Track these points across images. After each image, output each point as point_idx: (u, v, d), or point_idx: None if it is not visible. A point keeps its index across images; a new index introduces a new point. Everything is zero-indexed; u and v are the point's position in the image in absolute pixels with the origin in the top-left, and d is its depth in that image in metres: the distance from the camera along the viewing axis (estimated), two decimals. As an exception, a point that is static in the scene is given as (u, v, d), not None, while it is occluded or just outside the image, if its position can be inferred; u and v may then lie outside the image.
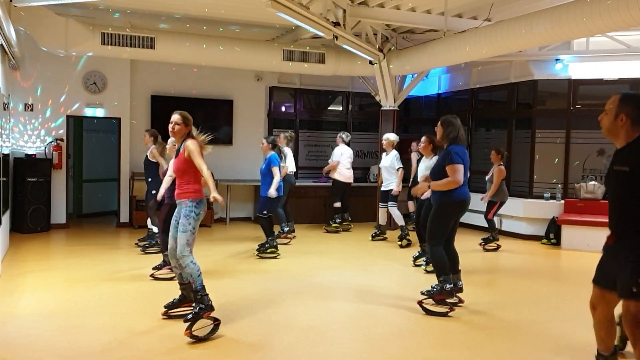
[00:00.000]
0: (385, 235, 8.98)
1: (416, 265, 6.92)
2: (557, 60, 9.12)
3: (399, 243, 8.40)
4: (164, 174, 6.27)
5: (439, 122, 5.03)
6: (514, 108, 9.92)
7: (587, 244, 8.25)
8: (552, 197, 9.17)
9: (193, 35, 8.85)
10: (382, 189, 8.70)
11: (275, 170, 7.34)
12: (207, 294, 4.35)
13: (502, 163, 8.08)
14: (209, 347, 3.99)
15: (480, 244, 8.24)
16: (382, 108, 10.31)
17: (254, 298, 5.35)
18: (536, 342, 4.25)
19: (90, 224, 10.23)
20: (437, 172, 4.93)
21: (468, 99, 10.83)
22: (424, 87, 11.61)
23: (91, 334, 4.26)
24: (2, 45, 6.64)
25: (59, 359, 3.78)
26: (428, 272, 6.48)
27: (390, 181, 8.49)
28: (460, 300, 5.13)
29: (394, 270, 6.92)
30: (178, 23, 9.01)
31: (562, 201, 9.10)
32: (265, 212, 7.45)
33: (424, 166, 6.70)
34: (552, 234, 8.87)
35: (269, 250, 7.46)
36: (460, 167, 4.78)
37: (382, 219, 8.94)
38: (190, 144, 4.38)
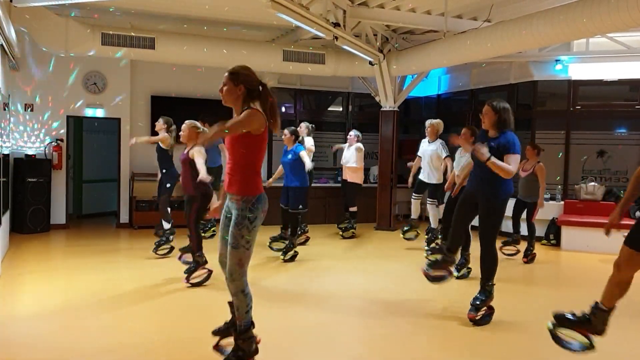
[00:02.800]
0: (418, 231, 8.21)
1: (460, 277, 6.26)
2: (557, 61, 9.12)
3: (426, 248, 7.54)
4: (182, 158, 5.89)
5: (490, 108, 4.56)
6: (513, 109, 9.83)
7: (587, 244, 8.26)
8: (552, 198, 9.18)
9: (193, 36, 8.87)
10: (423, 179, 7.75)
11: (304, 154, 7.12)
12: (255, 336, 3.45)
13: (539, 160, 7.46)
14: (208, 344, 3.99)
15: (524, 260, 7.48)
16: (382, 109, 10.32)
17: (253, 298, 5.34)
18: (536, 344, 4.24)
19: (90, 224, 10.23)
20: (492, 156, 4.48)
21: (468, 100, 10.84)
22: (424, 87, 11.62)
23: (91, 334, 4.26)
24: (2, 45, 6.64)
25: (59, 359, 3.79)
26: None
27: (431, 173, 7.64)
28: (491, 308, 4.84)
29: (394, 271, 6.91)
30: (178, 23, 9.02)
31: (562, 202, 9.10)
32: (301, 206, 7.03)
33: (464, 160, 6.32)
34: (552, 235, 8.87)
35: (293, 250, 7.11)
36: (519, 158, 4.53)
37: (413, 210, 8.13)
38: (248, 112, 3.19)
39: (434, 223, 7.72)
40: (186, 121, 6.00)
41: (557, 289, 6.23)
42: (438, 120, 7.74)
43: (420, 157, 7.87)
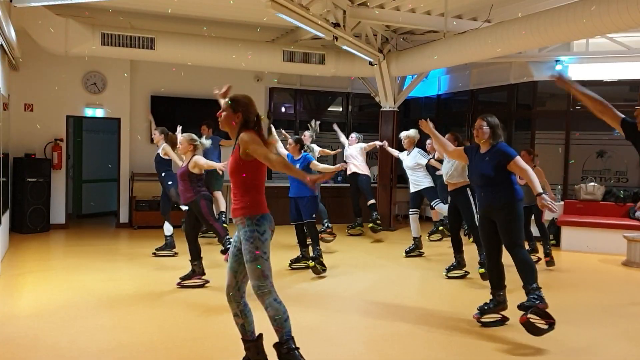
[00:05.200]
0: (421, 250, 7.77)
1: (449, 277, 6.32)
2: (556, 61, 9.13)
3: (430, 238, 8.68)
4: (180, 173, 5.92)
5: (484, 122, 4.58)
6: (513, 109, 9.93)
7: (587, 245, 8.25)
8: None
9: (193, 36, 8.87)
10: (412, 190, 7.72)
11: (316, 163, 6.71)
12: (298, 348, 3.33)
13: (535, 164, 7.32)
14: (207, 344, 3.99)
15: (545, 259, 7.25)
16: (381, 109, 10.32)
17: (253, 297, 5.34)
18: (536, 345, 4.24)
19: (89, 224, 10.22)
20: (492, 171, 4.49)
21: (468, 100, 10.84)
22: (423, 88, 11.62)
23: (90, 334, 4.25)
24: (2, 45, 6.64)
25: (58, 359, 3.78)
26: (482, 275, 6.05)
27: (419, 181, 7.62)
28: (504, 318, 4.68)
29: (394, 272, 6.91)
30: (178, 23, 9.02)
31: (562, 202, 9.10)
32: (314, 215, 6.59)
33: (450, 165, 6.27)
34: (552, 235, 8.85)
35: (321, 260, 6.52)
36: (520, 158, 4.51)
37: (413, 228, 7.76)
38: (245, 135, 3.24)
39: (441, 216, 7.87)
40: (183, 134, 6.06)
41: (557, 290, 6.21)
42: (414, 131, 7.57)
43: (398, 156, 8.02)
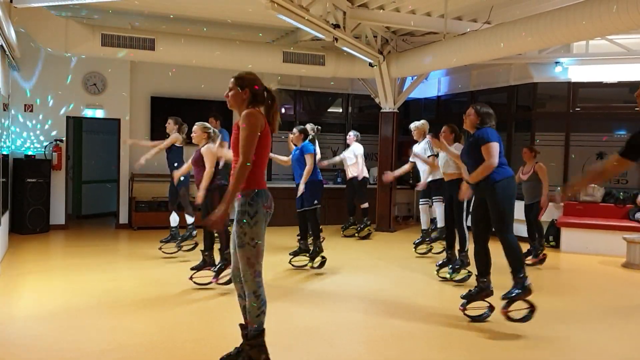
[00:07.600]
0: (432, 245, 7.75)
1: (442, 279, 6.29)
2: (556, 63, 9.14)
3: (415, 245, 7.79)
4: (194, 159, 5.96)
5: (473, 110, 4.72)
6: (513, 111, 9.93)
7: (587, 246, 8.26)
8: (552, 200, 9.16)
9: (193, 37, 8.88)
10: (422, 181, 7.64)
11: (309, 157, 6.53)
12: (265, 345, 3.33)
13: (537, 161, 7.39)
14: (208, 344, 3.99)
15: (532, 261, 7.25)
16: (381, 110, 10.33)
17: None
18: (534, 345, 4.24)
19: (89, 225, 10.22)
20: (472, 149, 4.62)
21: (468, 102, 10.83)
22: (423, 89, 11.63)
23: (90, 335, 4.25)
24: (2, 45, 6.64)
25: (58, 360, 3.78)
26: (457, 281, 6.15)
27: (426, 171, 7.42)
28: (491, 307, 4.76)
29: (393, 272, 6.91)
30: (178, 24, 9.03)
31: (562, 204, 9.09)
32: (316, 201, 6.48)
33: (442, 155, 6.36)
34: (552, 237, 8.86)
35: (320, 256, 6.58)
36: (496, 146, 4.51)
37: (423, 220, 7.75)
38: (247, 117, 3.21)
39: (441, 222, 7.32)
40: (197, 123, 6.11)
41: (556, 291, 6.22)
42: (423, 122, 7.57)
43: (413, 162, 7.65)
